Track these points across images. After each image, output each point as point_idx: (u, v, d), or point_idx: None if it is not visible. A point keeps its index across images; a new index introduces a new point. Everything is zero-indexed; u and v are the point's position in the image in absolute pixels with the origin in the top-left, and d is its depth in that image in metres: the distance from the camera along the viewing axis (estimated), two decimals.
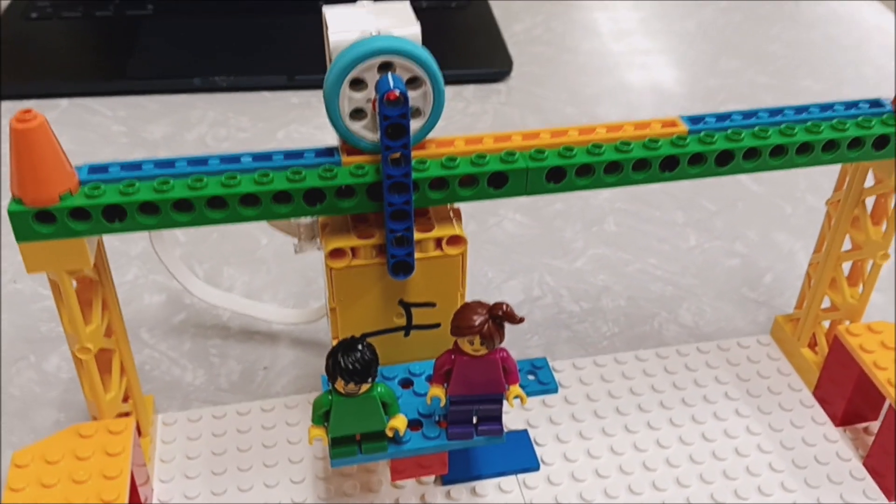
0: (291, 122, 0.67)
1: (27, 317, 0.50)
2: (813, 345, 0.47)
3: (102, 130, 0.66)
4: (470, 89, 0.72)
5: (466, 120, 0.69)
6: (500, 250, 0.56)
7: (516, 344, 0.49)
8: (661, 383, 0.46)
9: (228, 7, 0.80)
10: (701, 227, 0.58)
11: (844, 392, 0.43)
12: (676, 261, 0.55)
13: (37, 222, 0.32)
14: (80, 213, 0.32)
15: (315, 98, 0.70)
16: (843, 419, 0.44)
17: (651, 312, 0.51)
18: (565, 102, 0.71)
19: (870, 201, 0.42)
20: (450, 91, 0.72)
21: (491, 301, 0.33)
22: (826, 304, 0.45)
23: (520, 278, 0.54)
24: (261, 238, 0.56)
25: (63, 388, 0.46)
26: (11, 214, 0.31)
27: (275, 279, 0.53)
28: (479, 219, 0.58)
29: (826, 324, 0.46)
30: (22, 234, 0.32)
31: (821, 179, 0.62)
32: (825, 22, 0.84)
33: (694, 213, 0.59)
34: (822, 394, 0.45)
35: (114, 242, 0.54)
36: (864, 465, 0.42)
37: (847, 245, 0.43)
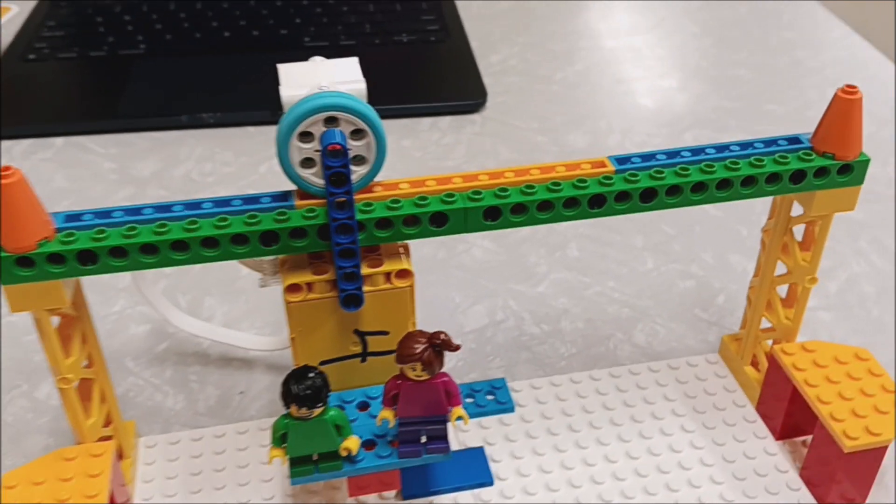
0: (273, 157, 0.70)
1: (20, 348, 0.53)
2: (755, 363, 0.49)
3: (94, 168, 0.69)
4: (446, 120, 0.76)
5: (441, 150, 0.72)
6: (468, 275, 0.59)
7: (478, 365, 0.52)
8: (612, 401, 0.49)
9: (216, 46, 0.83)
10: (659, 250, 0.61)
11: (782, 407, 0.46)
12: (634, 283, 0.58)
13: (17, 267, 0.35)
14: (56, 258, 0.35)
15: None
16: (783, 433, 0.47)
17: (607, 333, 0.54)
18: (536, 131, 0.74)
19: (801, 229, 0.45)
20: (426, 122, 0.75)
21: (447, 327, 0.36)
22: (766, 324, 0.48)
23: (485, 303, 0.57)
24: (241, 269, 0.59)
25: (52, 415, 0.49)
26: None
27: (252, 308, 0.56)
28: (448, 245, 0.62)
29: (770, 342, 0.49)
30: (5, 278, 0.35)
31: None
32: (791, 46, 0.87)
33: (653, 237, 0.62)
34: (764, 409, 0.48)
35: (102, 277, 0.57)
36: (801, 476, 0.45)
37: (781, 269, 0.46)
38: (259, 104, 0.75)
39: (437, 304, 0.56)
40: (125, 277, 0.58)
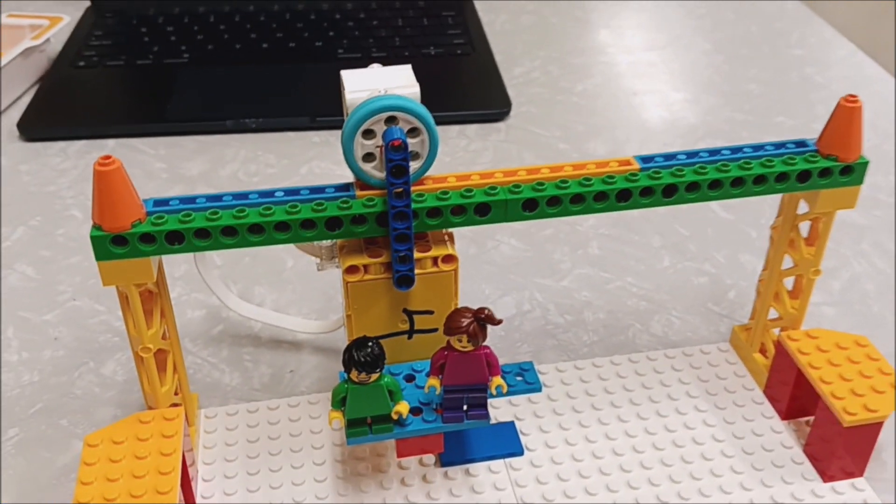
0: (313, 159, 0.75)
1: (86, 329, 0.58)
2: (763, 350, 0.54)
3: (146, 167, 0.74)
4: (473, 128, 0.80)
5: (469, 155, 0.77)
6: (497, 270, 0.64)
7: (508, 351, 0.57)
8: (631, 384, 0.53)
9: (255, 56, 0.89)
10: (675, 249, 0.65)
11: (788, 389, 0.50)
12: (651, 279, 0.62)
13: (113, 245, 0.40)
14: (147, 238, 0.40)
15: (333, 137, 0.79)
16: (788, 413, 0.51)
17: (627, 324, 0.59)
18: (558, 139, 0.79)
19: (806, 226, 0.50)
20: (454, 130, 0.80)
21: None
22: (774, 314, 0.53)
23: (513, 295, 0.61)
24: (287, 260, 0.64)
25: (119, 390, 0.54)
26: (93, 238, 0.39)
27: (299, 297, 0.61)
28: (479, 242, 0.66)
29: (777, 331, 0.53)
30: (101, 254, 0.40)
31: None
32: (800, 63, 0.92)
33: (670, 237, 0.67)
34: (771, 392, 0.52)
35: None
36: (805, 451, 0.49)
37: (789, 263, 0.51)
38: (298, 111, 0.80)
39: (470, 295, 0.61)
40: (181, 267, 0.62)
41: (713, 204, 0.70)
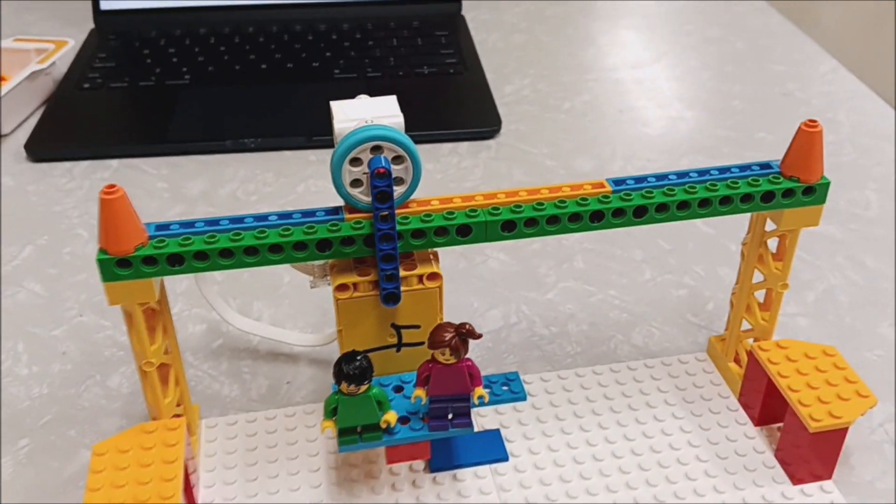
0: (309, 178, 0.78)
1: (92, 344, 0.61)
2: (737, 359, 0.56)
3: (148, 187, 0.77)
4: (464, 146, 0.83)
5: (461, 172, 0.79)
6: (485, 284, 0.66)
7: (495, 361, 0.59)
8: (612, 392, 0.56)
9: (254, 77, 0.92)
10: (656, 263, 0.68)
11: (760, 397, 0.53)
12: (633, 292, 0.65)
13: (117, 267, 0.42)
14: (149, 261, 0.43)
15: (329, 156, 0.81)
16: (760, 420, 0.54)
17: (608, 335, 0.61)
18: (546, 156, 0.82)
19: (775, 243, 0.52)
20: (446, 147, 0.83)
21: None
22: (746, 326, 0.55)
23: (500, 308, 0.64)
24: (284, 276, 0.66)
25: (124, 401, 0.56)
26: (100, 262, 0.42)
27: (295, 311, 0.63)
28: (468, 257, 0.69)
29: (751, 341, 0.56)
30: (107, 276, 0.43)
31: None
32: (783, 79, 0.95)
33: (651, 251, 0.69)
34: (745, 399, 0.55)
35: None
36: (776, 456, 0.52)
37: (759, 277, 0.53)
38: (295, 131, 0.83)
39: (458, 309, 0.63)
40: (182, 283, 0.65)
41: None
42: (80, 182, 0.78)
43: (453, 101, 0.89)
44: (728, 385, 0.56)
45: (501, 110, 0.87)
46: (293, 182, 0.77)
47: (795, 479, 0.50)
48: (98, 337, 0.61)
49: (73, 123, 0.85)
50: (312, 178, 0.78)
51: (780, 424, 0.54)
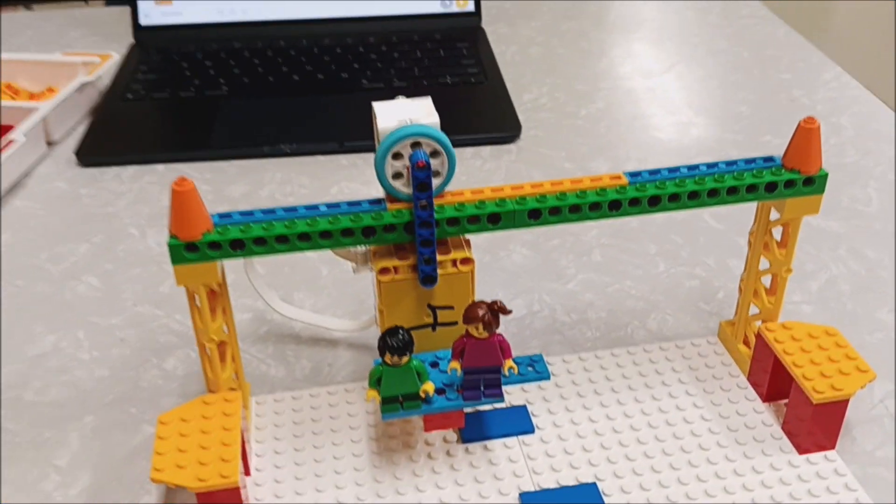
0: (342, 180, 0.83)
1: (148, 331, 0.66)
2: (746, 341, 0.61)
3: None
4: (486, 150, 0.88)
5: (483, 174, 0.84)
6: (509, 276, 0.71)
7: (520, 346, 0.64)
8: (629, 372, 0.60)
9: (288, 88, 0.97)
10: (669, 256, 0.73)
11: (767, 375, 0.57)
12: (648, 282, 0.70)
13: (186, 251, 0.48)
14: (214, 245, 0.48)
15: (361, 160, 0.87)
16: (768, 396, 0.58)
17: (625, 322, 0.66)
18: (564, 159, 0.87)
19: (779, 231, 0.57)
20: (469, 151, 0.88)
21: None
22: (755, 310, 0.60)
23: (524, 297, 0.69)
24: (322, 269, 0.71)
25: (180, 382, 0.61)
26: (171, 246, 0.47)
27: (333, 301, 0.68)
28: (492, 252, 0.74)
29: (759, 324, 0.60)
30: (176, 259, 0.48)
31: None
32: (788, 86, 0.99)
33: (664, 245, 0.74)
34: (753, 378, 0.59)
35: None
36: (783, 428, 0.56)
37: (765, 264, 0.58)
38: (328, 137, 0.88)
39: (484, 297, 0.68)
40: (230, 276, 0.70)
41: (705, 215, 0.77)
42: (130, 185, 0.83)
43: (475, 109, 0.94)
44: (738, 365, 0.61)
45: (521, 117, 0.92)
46: (327, 184, 0.83)
47: (801, 450, 0.54)
48: (153, 325, 0.66)
49: (120, 131, 0.91)
50: (345, 180, 0.83)
51: (787, 400, 0.58)
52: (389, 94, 0.97)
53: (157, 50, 1.05)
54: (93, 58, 0.97)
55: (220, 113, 0.93)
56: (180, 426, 0.51)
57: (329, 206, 0.50)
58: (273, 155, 0.87)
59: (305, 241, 0.49)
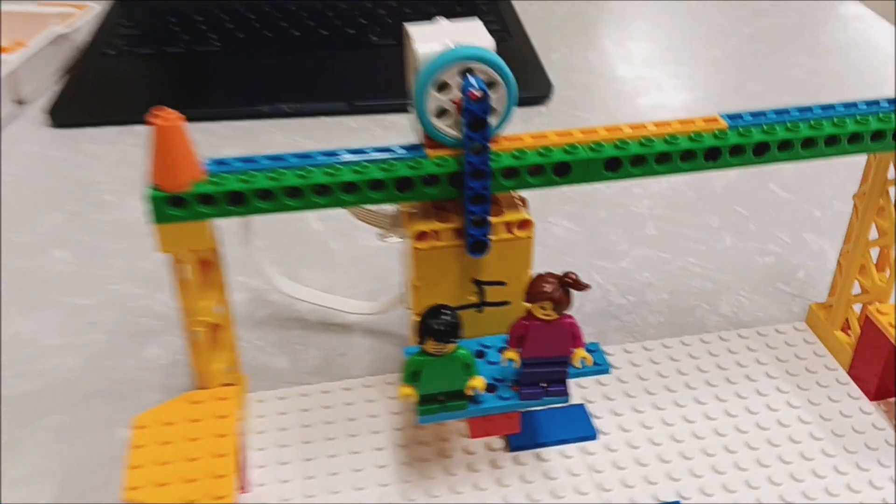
0: (352, 144, 0.72)
1: (127, 313, 0.55)
2: (846, 328, 0.51)
3: None
4: (515, 111, 0.78)
5: None
6: (550, 252, 0.61)
7: None
8: (705, 364, 0.50)
9: (288, 44, 0.86)
10: (735, 229, 0.63)
11: (877, 368, 0.47)
12: (713, 259, 0.60)
13: (170, 206, 0.37)
14: (206, 199, 0.37)
15: (372, 122, 0.76)
16: (877, 394, 0.48)
17: (692, 304, 0.56)
18: (602, 123, 0.76)
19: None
20: None
21: None
22: (856, 290, 0.50)
23: None
24: (331, 244, 0.61)
25: (162, 373, 0.51)
26: (151, 199, 0.37)
27: (346, 279, 0.58)
28: None
29: (857, 308, 0.50)
30: (158, 216, 0.37)
31: (846, 186, 0.66)
32: (844, 49, 0.89)
33: (728, 218, 0.64)
34: (856, 372, 0.49)
35: None
36: None
37: (874, 234, 0.48)
38: (335, 96, 0.77)
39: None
40: (224, 249, 0.60)
41: (772, 184, 0.67)
42: (108, 148, 0.72)
43: None
44: (834, 356, 0.51)
45: (551, 76, 0.82)
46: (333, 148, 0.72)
47: None
48: (133, 306, 0.56)
49: (99, 89, 0.80)
50: (354, 145, 0.72)
51: None
52: (401, 52, 0.87)
53: (143, 2, 0.94)
54: (68, 8, 0.86)
55: (211, 71, 0.82)
56: (161, 431, 0.41)
57: (353, 151, 0.39)
58: (272, 115, 0.76)
59: (324, 195, 0.38)
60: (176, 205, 0.37)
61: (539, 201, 0.65)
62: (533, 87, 0.80)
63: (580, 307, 0.55)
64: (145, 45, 0.86)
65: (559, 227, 0.63)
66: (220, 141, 0.73)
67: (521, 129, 0.76)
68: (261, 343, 0.53)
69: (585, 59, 0.88)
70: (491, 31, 0.87)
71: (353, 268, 0.59)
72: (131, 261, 0.59)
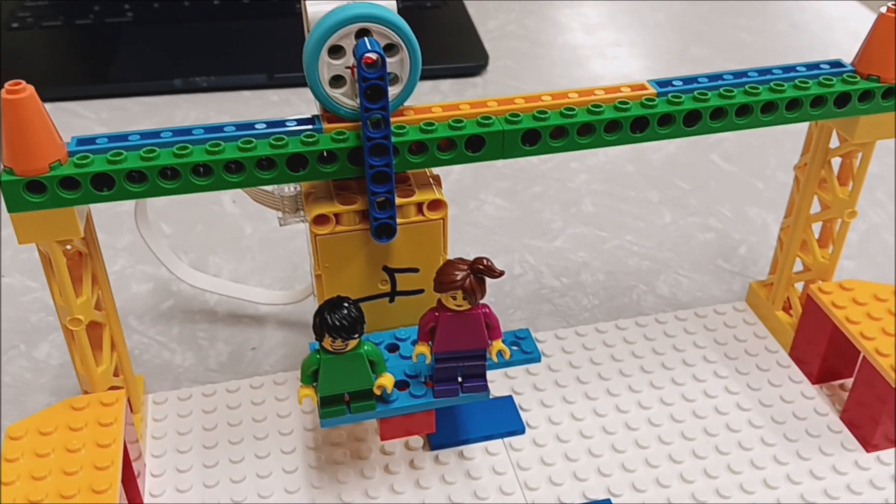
0: None
1: (17, 309, 0.51)
2: (787, 308, 0.48)
3: (86, 132, 0.66)
4: (447, 83, 0.74)
5: None
6: (481, 231, 0.57)
7: (499, 318, 0.50)
8: (640, 349, 0.47)
9: (206, 14, 0.81)
10: (675, 204, 0.59)
11: (819, 350, 0.45)
12: (652, 237, 0.56)
13: (28, 192, 0.32)
14: (69, 183, 0.33)
15: (295, 96, 0.72)
16: (819, 377, 0.45)
17: (629, 285, 0.53)
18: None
19: (836, 163, 0.44)
20: (426, 85, 0.73)
21: None
22: (798, 267, 0.47)
23: (501, 257, 0.55)
24: (245, 227, 0.56)
25: (54, 374, 0.46)
26: (3, 184, 0.32)
27: (260, 266, 0.54)
28: (460, 203, 0.60)
29: (799, 286, 0.48)
30: (14, 205, 0.32)
31: (790, 156, 0.64)
32: (790, 12, 0.86)
33: (668, 192, 0.61)
34: (798, 354, 0.47)
35: (100, 235, 0.54)
36: (842, 418, 0.44)
37: (816, 208, 0.45)
38: (254, 68, 0.72)
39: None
40: (125, 237, 0.55)
41: (714, 155, 0.64)
42: None
43: (432, 36, 0.80)
44: (775, 337, 0.48)
45: (487, 46, 0.78)
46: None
47: (869, 446, 0.42)
48: (24, 300, 0.51)
49: (2, 64, 0.74)
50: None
51: (843, 381, 0.46)
52: None
53: None
54: None
55: (122, 43, 0.76)
56: (37, 442, 0.36)
57: (239, 126, 0.35)
58: (186, 90, 0.71)
59: (204, 176, 0.34)
60: (34, 190, 0.32)
61: (470, 177, 0.61)
62: (468, 57, 0.76)
63: (511, 291, 0.52)
64: (53, 17, 0.80)
65: (491, 206, 0.59)
66: (131, 118, 0.68)
67: (455, 100, 0.72)
68: (163, 338, 0.48)
69: (524, 26, 0.84)
70: None
71: (268, 254, 0.54)
72: (23, 251, 0.54)
